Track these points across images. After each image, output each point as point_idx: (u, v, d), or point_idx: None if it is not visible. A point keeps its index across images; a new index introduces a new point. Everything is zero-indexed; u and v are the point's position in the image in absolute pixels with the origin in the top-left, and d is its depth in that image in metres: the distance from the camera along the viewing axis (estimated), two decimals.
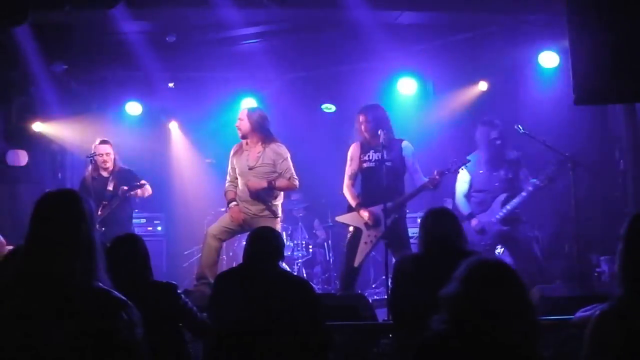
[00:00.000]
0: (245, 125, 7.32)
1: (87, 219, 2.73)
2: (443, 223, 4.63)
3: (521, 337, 2.50)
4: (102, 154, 8.32)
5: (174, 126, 11.10)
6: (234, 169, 7.48)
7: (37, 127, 9.69)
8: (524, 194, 7.54)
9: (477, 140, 7.80)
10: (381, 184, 6.89)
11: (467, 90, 9.74)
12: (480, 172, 7.73)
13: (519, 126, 7.51)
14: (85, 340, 2.53)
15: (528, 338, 2.52)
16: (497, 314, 2.49)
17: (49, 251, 2.64)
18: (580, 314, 4.00)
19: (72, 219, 2.70)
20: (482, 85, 9.60)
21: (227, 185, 7.53)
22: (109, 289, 2.68)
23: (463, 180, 7.82)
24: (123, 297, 2.66)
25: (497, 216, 7.58)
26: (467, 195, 7.86)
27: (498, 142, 7.69)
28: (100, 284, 2.67)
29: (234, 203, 7.36)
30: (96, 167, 8.31)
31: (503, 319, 2.48)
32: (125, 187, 8.12)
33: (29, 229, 2.71)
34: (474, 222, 7.71)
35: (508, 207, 7.57)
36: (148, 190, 8.37)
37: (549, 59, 8.75)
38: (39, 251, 2.66)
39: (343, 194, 7.54)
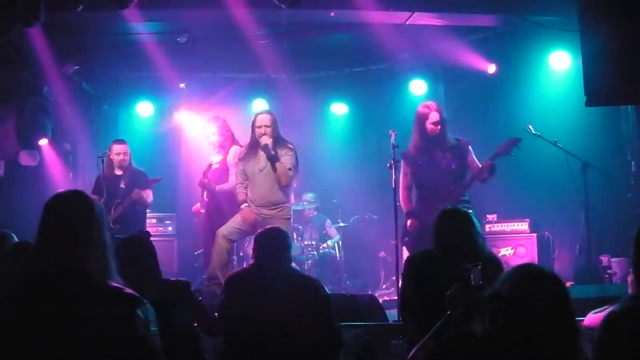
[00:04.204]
0: (271, 131, 7.30)
1: (97, 219, 2.74)
2: (453, 224, 4.61)
3: (564, 340, 2.50)
4: (120, 153, 8.35)
5: (184, 127, 11.12)
6: (242, 172, 7.47)
7: (43, 142, 9.71)
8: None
9: (414, 127, 7.09)
10: None
11: (477, 90, 9.72)
12: (419, 163, 7.02)
13: (530, 127, 7.49)
14: (101, 339, 2.54)
15: (570, 340, 2.52)
16: (543, 316, 2.49)
17: (61, 251, 2.64)
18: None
19: (84, 218, 2.71)
20: (491, 68, 9.48)
21: (237, 187, 7.53)
22: (123, 287, 2.69)
23: (404, 172, 7.11)
24: (137, 295, 2.67)
25: None
26: (409, 189, 7.15)
27: (438, 127, 6.94)
28: (114, 282, 2.68)
29: (245, 204, 7.37)
30: (109, 167, 8.34)
31: (548, 322, 2.49)
32: (137, 191, 8.13)
33: (38, 230, 2.71)
34: (410, 222, 7.02)
35: None
36: (150, 196, 8.39)
37: (560, 60, 8.75)
38: (51, 251, 2.66)
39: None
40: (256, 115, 7.55)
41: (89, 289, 2.61)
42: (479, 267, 3.40)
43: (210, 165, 8.01)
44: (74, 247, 2.65)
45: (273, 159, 7.24)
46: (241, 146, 7.82)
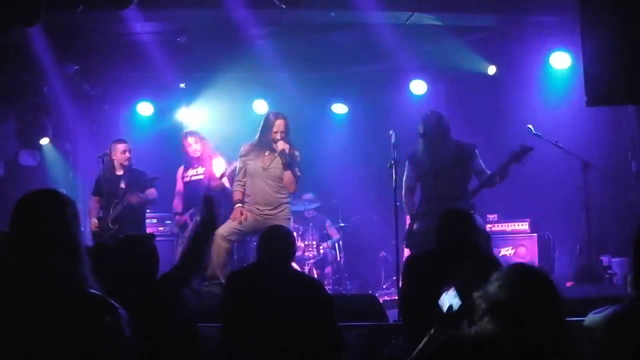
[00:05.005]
0: (285, 137, 7.23)
1: (69, 219, 2.64)
2: (453, 224, 4.61)
3: (557, 337, 2.50)
4: (126, 151, 8.34)
5: (184, 127, 11.10)
6: (243, 170, 7.38)
7: (44, 141, 9.71)
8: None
9: (421, 133, 6.87)
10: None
11: (477, 90, 9.73)
12: (427, 168, 6.84)
13: (531, 127, 7.48)
14: (69, 344, 2.46)
15: (562, 338, 2.52)
16: (536, 314, 2.50)
17: (28, 253, 2.55)
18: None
19: (53, 219, 2.62)
20: (491, 69, 9.45)
21: (234, 184, 7.46)
22: (95, 291, 2.58)
23: (408, 173, 6.97)
24: (107, 298, 2.58)
25: None
26: (413, 190, 6.98)
27: (444, 131, 6.78)
28: (86, 285, 2.58)
29: (239, 205, 7.32)
30: (108, 167, 8.33)
31: (541, 320, 2.49)
32: (135, 196, 8.14)
33: (9, 230, 2.64)
34: (414, 224, 6.85)
35: None
36: (153, 193, 8.39)
37: (560, 60, 8.75)
38: (20, 252, 2.57)
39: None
40: (273, 119, 7.33)
41: (56, 292, 2.52)
42: (471, 268, 3.41)
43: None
44: (42, 249, 2.56)
45: (290, 166, 7.17)
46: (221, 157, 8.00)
